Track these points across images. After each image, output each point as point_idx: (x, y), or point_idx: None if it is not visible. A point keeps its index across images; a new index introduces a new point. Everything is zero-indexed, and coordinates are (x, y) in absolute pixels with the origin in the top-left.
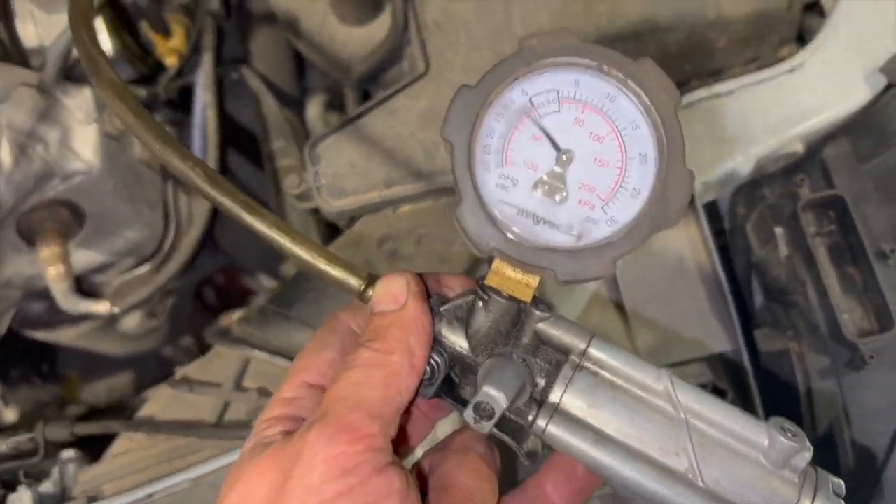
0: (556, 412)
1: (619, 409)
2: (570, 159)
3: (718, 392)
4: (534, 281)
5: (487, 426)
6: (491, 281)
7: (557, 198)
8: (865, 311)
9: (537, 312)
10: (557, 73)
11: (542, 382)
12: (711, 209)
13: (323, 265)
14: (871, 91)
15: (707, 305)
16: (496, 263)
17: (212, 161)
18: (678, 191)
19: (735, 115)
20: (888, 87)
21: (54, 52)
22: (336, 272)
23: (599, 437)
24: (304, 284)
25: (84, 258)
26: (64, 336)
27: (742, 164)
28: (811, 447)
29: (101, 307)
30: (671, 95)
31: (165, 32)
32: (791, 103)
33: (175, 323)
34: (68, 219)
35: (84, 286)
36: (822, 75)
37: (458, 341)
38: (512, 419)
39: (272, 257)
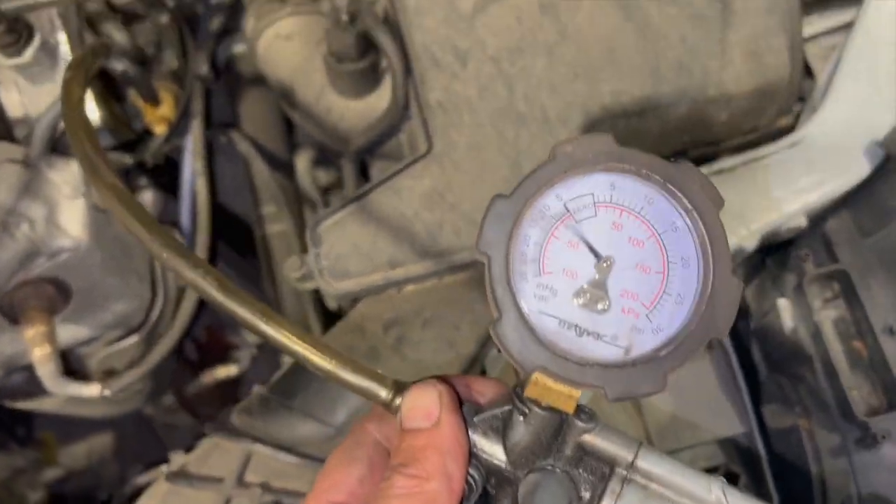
0: None
1: None
2: (611, 266)
3: (731, 476)
4: (576, 392)
5: None
6: (531, 392)
7: (600, 307)
8: (873, 386)
9: (581, 424)
10: (592, 177)
11: (587, 496)
12: None
13: (347, 375)
14: (871, 164)
15: (717, 385)
16: (536, 376)
17: (203, 232)
18: (725, 299)
19: (738, 191)
20: (887, 160)
21: (41, 127)
22: (361, 382)
23: None
24: (306, 373)
25: (69, 333)
26: (45, 405)
27: (746, 238)
28: None
29: (92, 390)
30: (713, 198)
31: (154, 101)
32: (793, 178)
33: (157, 382)
34: (54, 295)
35: (68, 357)
36: (822, 150)
37: (495, 454)
38: None
39: None
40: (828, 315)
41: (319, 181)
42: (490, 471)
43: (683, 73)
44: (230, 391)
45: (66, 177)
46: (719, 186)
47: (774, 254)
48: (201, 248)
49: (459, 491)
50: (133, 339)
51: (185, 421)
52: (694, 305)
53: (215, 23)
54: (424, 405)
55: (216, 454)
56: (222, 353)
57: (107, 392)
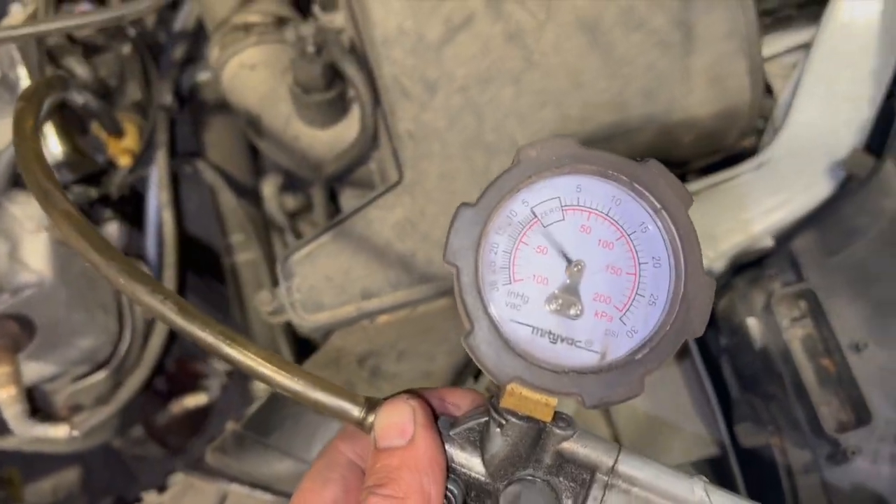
0: None
1: None
2: (582, 269)
3: None
4: (553, 400)
5: None
6: (507, 403)
7: (573, 312)
8: (842, 402)
9: (559, 431)
10: (557, 180)
11: (569, 503)
12: None
13: (316, 394)
14: (834, 184)
15: (690, 406)
16: (511, 386)
17: (171, 266)
18: (699, 298)
19: (706, 213)
20: (849, 179)
21: (2, 162)
22: (332, 401)
23: None
24: (281, 408)
25: (34, 371)
26: (8, 444)
27: (715, 260)
28: None
29: (60, 431)
30: (681, 196)
31: (118, 133)
32: (759, 199)
33: (125, 415)
34: (17, 333)
35: (32, 394)
36: (786, 171)
37: (473, 467)
38: None
39: None
40: (796, 333)
41: (287, 206)
42: (469, 484)
43: (649, 99)
44: (199, 420)
45: (28, 211)
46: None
47: (743, 273)
48: (169, 281)
49: None
50: (101, 375)
51: (155, 452)
52: (668, 306)
53: (178, 51)
54: (398, 423)
55: (190, 495)
56: (191, 383)
57: (75, 433)
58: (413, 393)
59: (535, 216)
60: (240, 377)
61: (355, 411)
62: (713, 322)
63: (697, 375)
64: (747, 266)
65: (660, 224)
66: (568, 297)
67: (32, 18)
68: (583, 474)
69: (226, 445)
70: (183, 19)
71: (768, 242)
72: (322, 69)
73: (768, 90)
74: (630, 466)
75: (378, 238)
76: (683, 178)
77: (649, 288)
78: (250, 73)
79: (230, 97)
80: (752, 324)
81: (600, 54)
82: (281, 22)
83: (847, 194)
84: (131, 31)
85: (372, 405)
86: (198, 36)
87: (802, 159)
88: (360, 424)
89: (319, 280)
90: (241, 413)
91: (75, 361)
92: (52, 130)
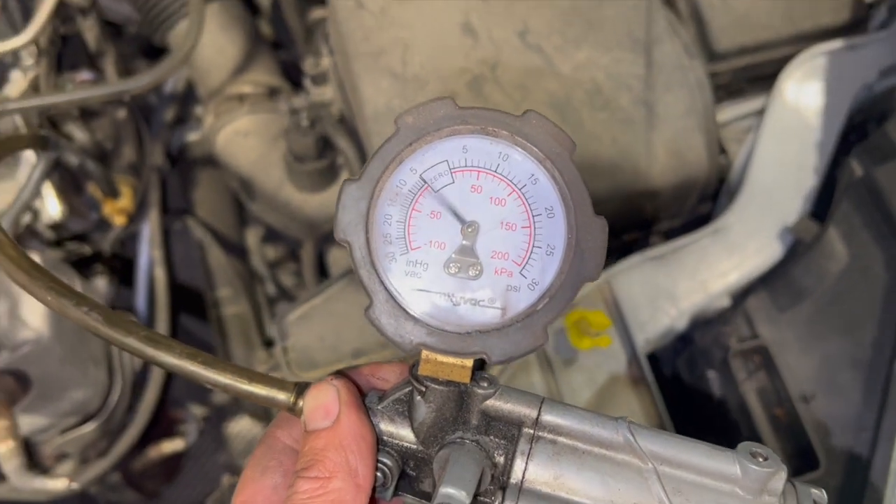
0: (522, 492)
1: (587, 474)
2: (476, 229)
3: None
4: (468, 362)
5: None
6: (424, 370)
7: (472, 272)
8: (793, 449)
9: (480, 391)
10: (443, 144)
11: (500, 460)
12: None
13: (245, 385)
14: (783, 248)
15: None
16: (425, 353)
17: (163, 318)
18: (593, 242)
19: (668, 274)
20: (797, 243)
21: (3, 224)
22: (261, 390)
23: None
24: None
25: (27, 423)
26: None
27: (677, 319)
28: (785, 467)
29: (58, 484)
30: (563, 144)
31: (114, 194)
32: (715, 262)
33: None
34: (14, 388)
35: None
36: (740, 236)
37: (404, 437)
38: None
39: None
40: (751, 386)
41: (268, 257)
42: (405, 454)
43: (616, 171)
44: (174, 466)
45: None
46: (653, 272)
47: (702, 330)
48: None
49: (368, 485)
50: (90, 426)
51: (131, 498)
52: (563, 253)
53: (168, 113)
54: (323, 404)
55: None
56: (168, 428)
57: (75, 486)
58: (339, 373)
59: (425, 182)
60: (214, 422)
61: (285, 397)
62: (677, 375)
63: (663, 426)
64: (706, 323)
65: (547, 174)
66: (466, 258)
67: (34, 86)
68: (510, 430)
69: (224, 499)
70: (173, 83)
71: (725, 301)
72: (315, 141)
73: (723, 152)
74: (554, 415)
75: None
76: (647, 239)
77: (545, 238)
78: (244, 139)
79: (223, 161)
80: (712, 376)
81: (570, 131)
82: (273, 92)
83: (795, 257)
84: (126, 97)
85: (301, 390)
86: (186, 98)
87: (754, 225)
88: (292, 410)
89: (313, 340)
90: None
91: (66, 413)
92: (50, 191)
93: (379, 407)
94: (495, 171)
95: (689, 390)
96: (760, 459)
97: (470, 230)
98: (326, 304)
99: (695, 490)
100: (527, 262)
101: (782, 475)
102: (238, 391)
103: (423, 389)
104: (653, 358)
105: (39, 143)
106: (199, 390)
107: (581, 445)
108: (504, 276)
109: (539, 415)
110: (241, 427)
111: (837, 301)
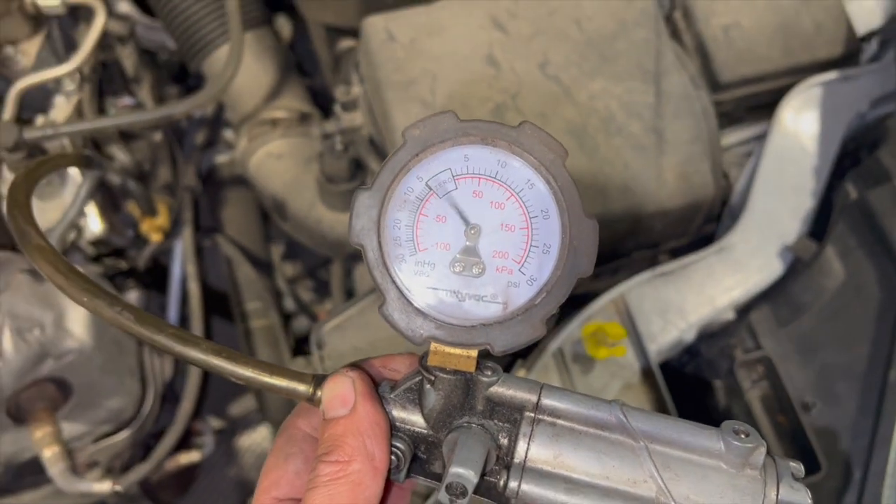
0: (525, 470)
1: (583, 452)
2: (479, 231)
3: None
4: (473, 352)
5: (463, 502)
6: (433, 361)
7: (475, 271)
8: (796, 454)
9: (484, 379)
10: (446, 153)
11: (505, 442)
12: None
13: (267, 378)
14: (784, 265)
15: None
16: (433, 345)
17: (197, 331)
18: (585, 240)
19: (677, 289)
20: (796, 261)
21: (51, 239)
22: (282, 382)
23: (571, 484)
24: None
25: (66, 430)
26: (24, 500)
27: (686, 331)
28: (765, 442)
29: (103, 487)
30: (556, 151)
31: (152, 213)
32: (721, 278)
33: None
34: (56, 395)
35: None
36: (744, 254)
37: (416, 423)
38: (484, 487)
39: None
40: (755, 394)
41: (286, 273)
42: (416, 439)
43: (628, 194)
44: (190, 477)
45: None
46: (663, 287)
47: (709, 342)
48: None
49: (384, 468)
50: (123, 435)
51: None
52: (559, 251)
53: (199, 136)
54: (340, 394)
55: None
56: (185, 440)
57: (118, 488)
58: (354, 366)
59: (431, 189)
60: (226, 434)
61: (305, 388)
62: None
63: None
64: (713, 335)
65: (542, 179)
66: (469, 258)
67: (78, 111)
68: (513, 414)
69: None
70: (203, 108)
71: (730, 315)
72: (348, 163)
73: (725, 177)
74: (553, 399)
75: None
76: (655, 258)
77: (542, 238)
78: (277, 161)
79: (257, 182)
80: (718, 386)
81: (586, 156)
82: (304, 118)
83: (795, 275)
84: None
85: (319, 381)
86: (215, 122)
87: (756, 245)
88: (311, 400)
89: (348, 349)
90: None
91: (102, 421)
92: (93, 210)
93: (391, 395)
94: (495, 178)
95: (698, 398)
96: (742, 436)
97: (472, 232)
98: (360, 316)
99: (683, 465)
100: (525, 261)
101: (762, 450)
102: (261, 383)
103: (433, 378)
104: (664, 367)
105: (84, 162)
106: (218, 402)
107: (578, 427)
108: (505, 274)
109: (539, 399)
110: (253, 441)
111: (834, 316)
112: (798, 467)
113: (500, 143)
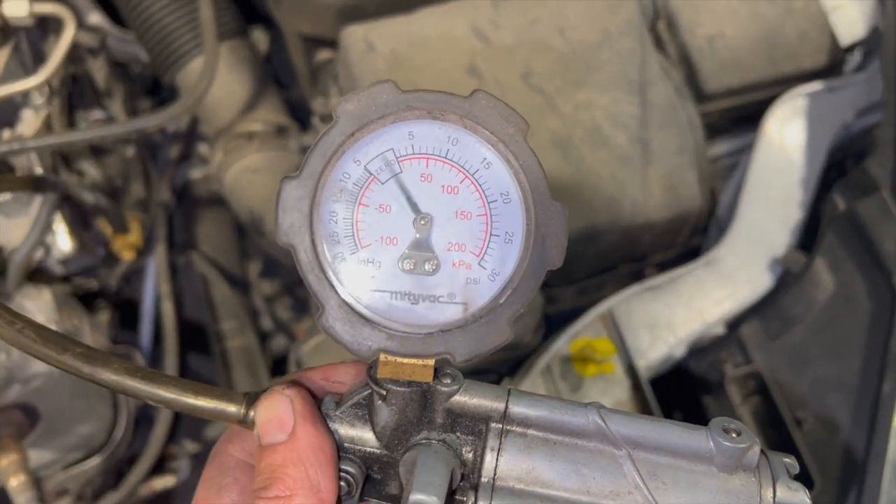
0: (495, 490)
1: (560, 465)
2: (430, 221)
3: None
4: (430, 360)
5: None
6: (383, 373)
7: (429, 267)
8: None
9: (444, 389)
10: (387, 131)
11: (470, 457)
12: None
13: (190, 399)
14: (774, 278)
15: None
16: (383, 355)
17: (172, 351)
18: (553, 227)
19: (666, 304)
20: (786, 274)
21: (17, 260)
22: (208, 403)
23: (548, 502)
24: None
25: (34, 458)
26: None
27: (675, 346)
28: (757, 440)
29: None
30: (515, 124)
31: (124, 230)
32: (710, 292)
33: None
34: (22, 421)
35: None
36: (733, 267)
37: (367, 442)
38: None
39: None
40: (746, 409)
41: (264, 291)
42: (368, 459)
43: (614, 206)
44: (166, 502)
45: (39, 305)
46: (651, 301)
47: (699, 357)
48: (171, 368)
49: (331, 496)
50: (94, 461)
51: None
52: (523, 240)
53: (173, 150)
54: (276, 416)
55: None
56: (158, 464)
57: None
58: (292, 381)
59: (371, 174)
60: (202, 458)
61: (235, 409)
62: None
63: None
64: (702, 350)
65: (500, 157)
66: (420, 252)
67: (47, 125)
68: (478, 425)
69: None
70: (176, 121)
71: (720, 329)
72: None
73: (711, 189)
74: (522, 407)
75: None
76: (642, 272)
77: (503, 225)
78: (253, 175)
79: (233, 197)
80: (709, 402)
81: (573, 169)
82: (280, 130)
83: (785, 287)
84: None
85: (251, 400)
86: (189, 135)
87: (745, 257)
88: (244, 422)
89: None
90: None
91: (72, 448)
92: (61, 227)
93: (337, 413)
94: (445, 157)
95: (689, 414)
96: (734, 435)
97: (423, 222)
98: None
99: (670, 472)
100: (485, 252)
101: (756, 449)
102: (183, 406)
103: (384, 393)
104: (653, 383)
105: (34, 185)
106: (194, 426)
107: (552, 436)
108: (462, 269)
109: (507, 407)
110: None
111: (825, 328)
112: (792, 463)
113: (449, 116)
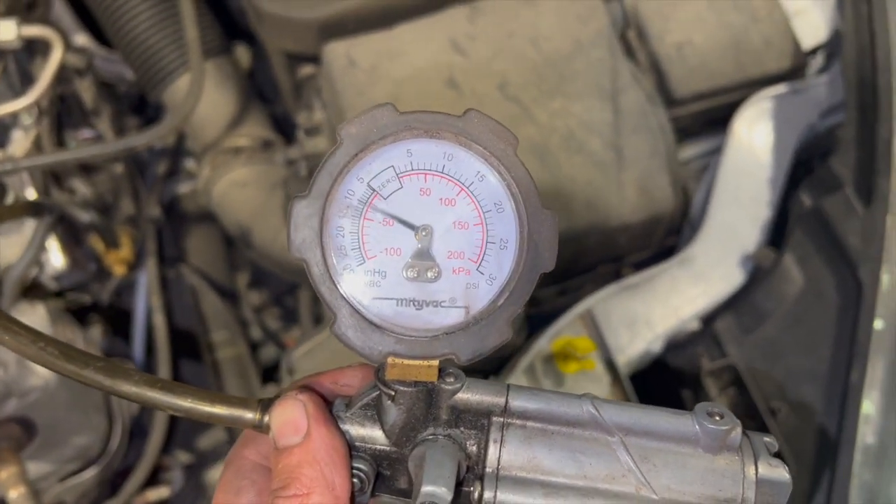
0: (500, 479)
1: (558, 453)
2: (430, 232)
3: None
4: (434, 362)
5: None
6: (391, 374)
7: (431, 275)
8: None
9: (447, 387)
10: (387, 150)
11: (474, 450)
12: None
13: (208, 407)
14: (745, 274)
15: None
16: (391, 358)
17: (164, 361)
18: (544, 233)
19: (643, 301)
20: (757, 270)
21: (11, 276)
22: (225, 411)
23: (548, 488)
24: None
25: (31, 470)
26: None
27: (653, 342)
28: (739, 422)
29: None
30: (506, 140)
31: (115, 245)
32: (684, 289)
33: None
34: (20, 434)
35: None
36: (706, 265)
37: (376, 440)
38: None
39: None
40: (722, 401)
41: (252, 302)
42: (378, 457)
43: (591, 209)
44: None
45: (33, 320)
46: (629, 299)
47: (676, 352)
48: None
49: (345, 493)
50: (90, 473)
51: None
52: (517, 246)
53: (161, 166)
54: (291, 420)
55: None
56: (153, 475)
57: None
58: (304, 386)
59: (374, 190)
60: (195, 469)
61: (250, 415)
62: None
63: None
64: (679, 346)
65: (493, 170)
66: (422, 261)
67: (37, 145)
68: (480, 420)
69: None
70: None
71: (695, 325)
72: None
73: (684, 191)
74: (521, 401)
75: None
76: (619, 272)
77: (498, 233)
78: (241, 190)
79: (221, 211)
80: (687, 395)
81: (549, 173)
82: (266, 145)
83: (756, 283)
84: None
85: (266, 406)
86: (176, 151)
87: (718, 255)
88: (259, 427)
89: None
90: None
91: (69, 459)
92: (54, 244)
93: (347, 414)
94: (442, 172)
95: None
96: (717, 418)
97: (423, 233)
98: (331, 340)
99: (660, 455)
100: (483, 259)
101: (738, 430)
102: (201, 414)
103: (393, 393)
104: (633, 379)
105: (34, 211)
106: (186, 436)
107: (550, 427)
108: (462, 275)
109: (507, 402)
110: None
111: (796, 321)
112: (772, 442)
113: (445, 134)
